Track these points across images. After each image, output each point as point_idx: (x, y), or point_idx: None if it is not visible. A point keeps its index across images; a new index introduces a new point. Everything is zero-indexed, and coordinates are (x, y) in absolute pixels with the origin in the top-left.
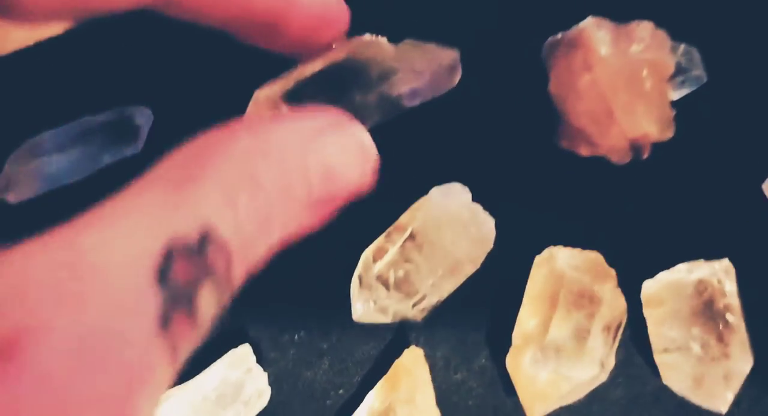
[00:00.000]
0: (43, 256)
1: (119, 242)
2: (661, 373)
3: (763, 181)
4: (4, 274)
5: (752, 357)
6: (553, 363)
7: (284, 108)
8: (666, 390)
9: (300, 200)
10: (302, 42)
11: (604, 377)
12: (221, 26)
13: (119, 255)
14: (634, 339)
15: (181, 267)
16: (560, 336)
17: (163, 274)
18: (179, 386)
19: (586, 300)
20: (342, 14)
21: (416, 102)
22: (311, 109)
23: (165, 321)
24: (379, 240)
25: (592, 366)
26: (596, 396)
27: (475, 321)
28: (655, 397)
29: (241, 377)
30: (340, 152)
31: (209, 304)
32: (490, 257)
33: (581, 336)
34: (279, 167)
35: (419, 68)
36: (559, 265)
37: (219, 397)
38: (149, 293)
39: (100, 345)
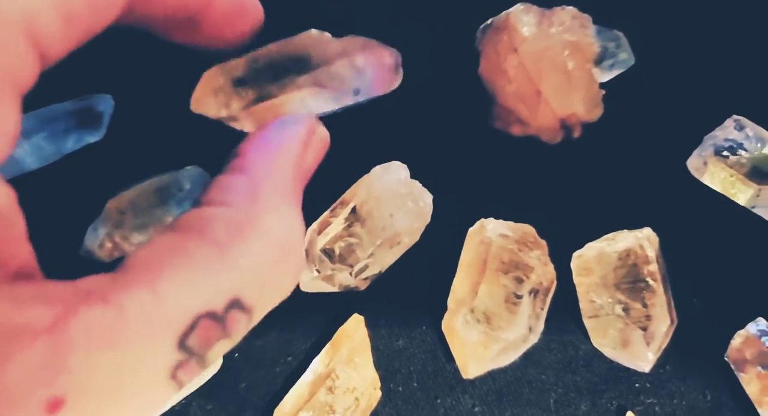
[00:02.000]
0: (85, 320)
1: (158, 305)
2: (591, 337)
3: (687, 158)
4: (53, 344)
5: (670, 318)
6: (483, 325)
7: (229, 90)
8: (597, 353)
9: None
10: (220, 35)
11: (534, 339)
12: (140, 22)
13: (154, 320)
14: (567, 306)
15: (202, 333)
16: (489, 299)
17: (184, 339)
18: None
19: (514, 266)
20: (256, 6)
21: (360, 99)
22: None
23: (176, 371)
24: (324, 216)
25: (520, 328)
26: (531, 360)
27: (415, 291)
28: (586, 360)
29: None
30: None
31: (219, 352)
32: (428, 230)
33: (509, 299)
34: None
35: (361, 65)
36: (488, 234)
37: None
38: (169, 354)
39: (121, 397)
